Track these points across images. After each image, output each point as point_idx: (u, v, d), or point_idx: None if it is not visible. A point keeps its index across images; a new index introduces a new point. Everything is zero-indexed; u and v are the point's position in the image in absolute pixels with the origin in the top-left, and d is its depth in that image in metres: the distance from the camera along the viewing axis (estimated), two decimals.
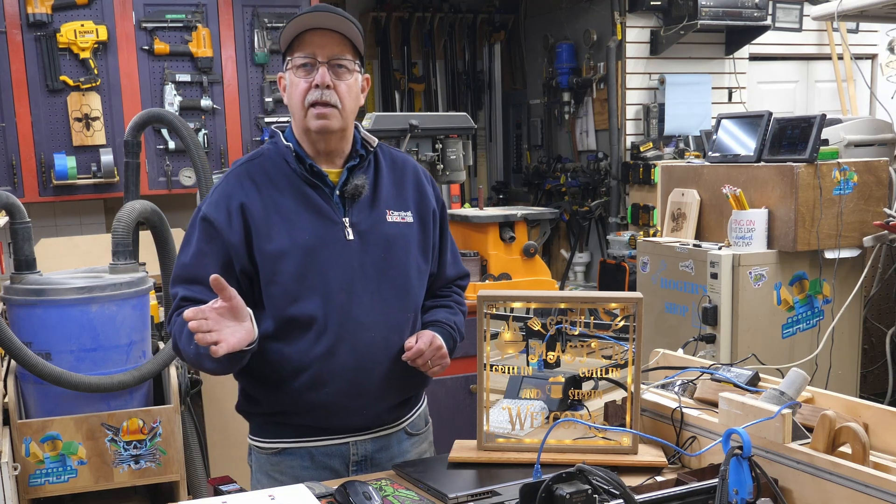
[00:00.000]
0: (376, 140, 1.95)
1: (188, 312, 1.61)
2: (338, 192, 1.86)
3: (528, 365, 1.85)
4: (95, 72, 5.06)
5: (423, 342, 1.84)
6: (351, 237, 1.84)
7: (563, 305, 1.84)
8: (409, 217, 1.92)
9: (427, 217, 1.96)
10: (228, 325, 1.65)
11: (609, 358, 1.83)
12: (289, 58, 1.84)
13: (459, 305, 2.08)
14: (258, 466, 1.94)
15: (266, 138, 5.45)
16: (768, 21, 5.96)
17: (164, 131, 5.26)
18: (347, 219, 1.85)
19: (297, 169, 1.85)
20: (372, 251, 1.85)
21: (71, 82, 5.04)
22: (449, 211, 4.06)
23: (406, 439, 1.98)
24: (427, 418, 2.08)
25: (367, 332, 1.83)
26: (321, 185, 1.86)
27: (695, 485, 1.51)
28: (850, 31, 6.53)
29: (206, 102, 5.32)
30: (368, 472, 1.89)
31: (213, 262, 1.79)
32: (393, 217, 1.89)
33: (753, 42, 6.15)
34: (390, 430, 1.95)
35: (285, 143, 1.88)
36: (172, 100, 5.26)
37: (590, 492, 1.32)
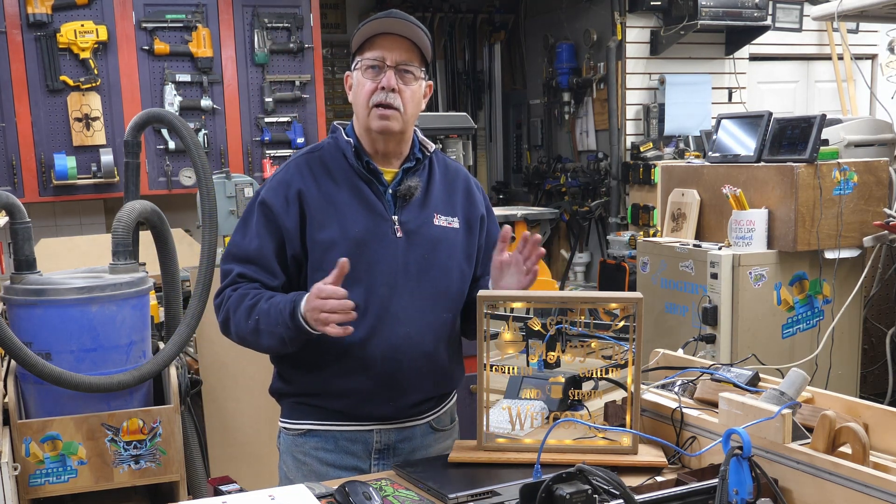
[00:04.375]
0: (433, 146, 2.03)
1: (334, 303, 1.70)
2: (391, 191, 1.94)
3: (528, 365, 1.85)
4: (95, 72, 5.06)
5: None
6: (399, 235, 1.91)
7: (563, 305, 1.84)
8: (455, 223, 1.99)
9: (474, 224, 2.03)
10: None
11: (609, 358, 1.83)
12: (358, 58, 1.91)
13: None
14: (285, 448, 2.02)
15: (267, 139, 5.46)
16: (768, 21, 5.95)
17: (164, 131, 5.26)
18: (397, 217, 1.92)
19: (355, 164, 1.93)
20: (416, 250, 1.92)
21: (71, 82, 5.05)
22: None
23: (430, 433, 2.03)
24: (454, 416, 2.14)
25: (402, 326, 1.89)
26: (376, 182, 1.93)
27: (695, 485, 1.51)
28: (850, 31, 6.53)
29: (206, 102, 5.32)
30: (389, 461, 1.95)
31: (269, 245, 1.89)
32: (440, 221, 1.96)
33: (753, 42, 6.15)
34: (415, 422, 1.99)
35: (346, 138, 1.95)
36: (172, 100, 5.26)
37: (590, 492, 1.32)
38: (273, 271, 1.90)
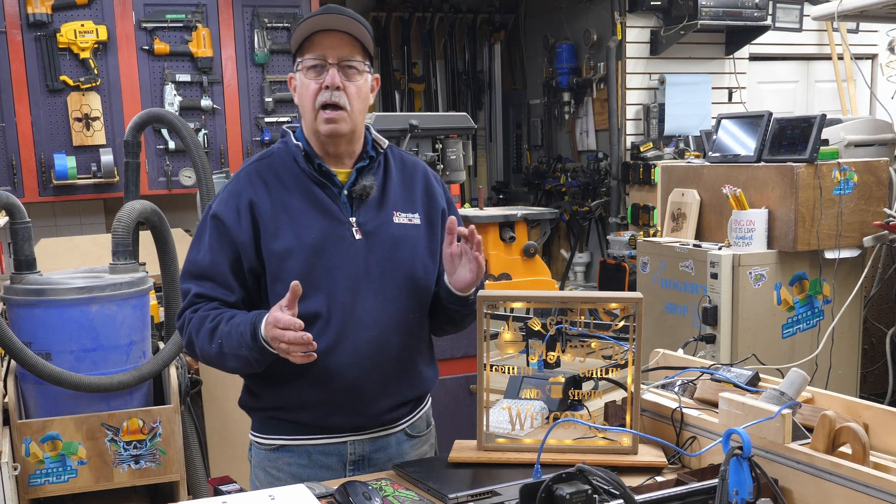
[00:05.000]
0: (387, 142, 1.97)
1: (291, 336, 1.63)
2: (346, 193, 1.88)
3: (528, 365, 1.85)
4: (95, 72, 5.06)
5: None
6: (357, 237, 1.85)
7: (563, 305, 1.84)
8: (416, 219, 1.93)
9: (435, 218, 1.97)
10: None
11: (609, 358, 1.83)
12: (299, 59, 1.86)
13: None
14: (257, 462, 1.96)
15: (266, 139, 5.46)
16: (768, 21, 5.96)
17: (164, 131, 5.26)
18: (354, 219, 1.86)
19: (306, 168, 1.87)
20: (377, 251, 1.86)
21: (71, 82, 5.05)
22: None
23: (406, 441, 1.97)
24: (429, 420, 2.07)
25: (368, 331, 1.84)
26: (329, 184, 1.87)
27: (695, 485, 1.51)
28: (850, 31, 6.53)
29: (206, 102, 5.32)
30: (365, 473, 1.89)
31: (224, 260, 1.83)
32: (400, 218, 1.91)
33: (753, 42, 6.16)
34: (389, 430, 1.94)
35: (295, 142, 1.90)
36: (172, 100, 5.26)
37: (590, 492, 1.32)
38: (230, 286, 1.84)
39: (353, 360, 1.83)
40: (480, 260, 1.83)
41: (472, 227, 1.82)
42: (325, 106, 1.82)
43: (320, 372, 1.81)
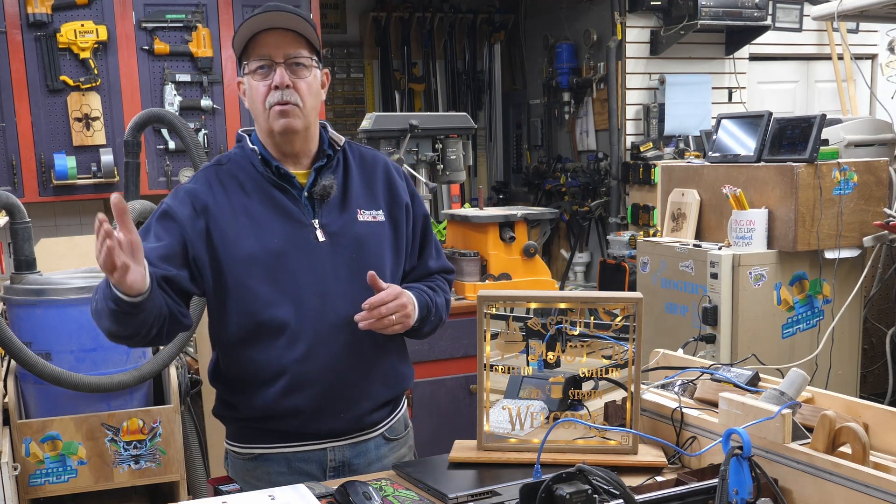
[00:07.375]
0: (343, 139, 1.94)
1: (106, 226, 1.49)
2: (306, 194, 1.84)
3: (528, 365, 1.85)
4: (95, 72, 5.06)
5: (386, 292, 1.77)
6: (321, 239, 1.82)
7: (563, 305, 1.84)
8: (380, 216, 1.90)
9: (399, 213, 1.93)
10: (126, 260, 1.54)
11: (609, 358, 1.83)
12: (245, 62, 1.81)
13: (442, 290, 2.02)
14: (234, 472, 1.92)
15: None
16: (768, 21, 5.96)
17: (164, 131, 5.26)
18: (317, 220, 1.83)
19: (264, 172, 1.83)
20: (343, 252, 1.83)
21: (71, 82, 5.05)
22: (448, 211, 4.06)
23: (384, 444, 1.96)
24: (407, 423, 2.05)
25: (341, 334, 1.81)
26: (289, 187, 1.84)
27: (695, 485, 1.51)
28: (850, 31, 6.53)
29: (206, 102, 5.32)
30: (345, 478, 1.86)
31: (167, 245, 1.75)
32: (364, 216, 1.87)
33: (753, 42, 6.15)
34: (368, 435, 1.92)
35: (251, 146, 1.86)
36: (172, 100, 5.26)
37: (590, 492, 1.32)
38: (154, 265, 1.68)
39: (330, 365, 1.81)
40: (395, 329, 1.80)
41: (372, 305, 1.75)
42: (275, 105, 1.78)
43: (297, 379, 1.79)
